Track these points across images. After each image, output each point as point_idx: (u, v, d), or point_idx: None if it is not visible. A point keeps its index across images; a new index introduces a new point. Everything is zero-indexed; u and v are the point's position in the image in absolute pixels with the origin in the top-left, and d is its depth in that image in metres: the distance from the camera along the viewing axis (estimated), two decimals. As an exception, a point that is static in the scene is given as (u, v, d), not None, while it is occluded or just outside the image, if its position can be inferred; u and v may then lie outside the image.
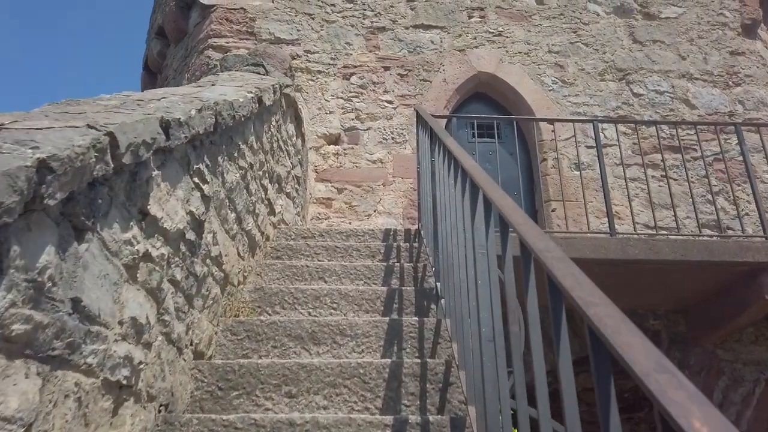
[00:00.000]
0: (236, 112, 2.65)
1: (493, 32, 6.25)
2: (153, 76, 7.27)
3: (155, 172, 1.77)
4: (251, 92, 3.00)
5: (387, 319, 2.57)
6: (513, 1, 6.43)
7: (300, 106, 5.50)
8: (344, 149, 5.61)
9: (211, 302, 2.39)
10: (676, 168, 5.69)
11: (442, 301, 2.57)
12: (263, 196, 3.45)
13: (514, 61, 6.12)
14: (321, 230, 3.96)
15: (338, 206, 5.36)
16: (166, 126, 1.81)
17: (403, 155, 5.60)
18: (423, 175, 3.65)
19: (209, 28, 5.96)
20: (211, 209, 2.37)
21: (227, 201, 2.63)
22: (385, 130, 5.70)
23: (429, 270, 3.26)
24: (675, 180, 5.63)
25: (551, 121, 4.74)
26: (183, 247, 2.02)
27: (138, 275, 1.66)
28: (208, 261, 2.34)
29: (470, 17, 6.33)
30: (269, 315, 2.80)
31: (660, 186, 5.57)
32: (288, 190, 4.30)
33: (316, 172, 5.49)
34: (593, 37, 6.29)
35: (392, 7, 6.29)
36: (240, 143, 2.85)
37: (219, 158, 2.51)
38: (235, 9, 6.06)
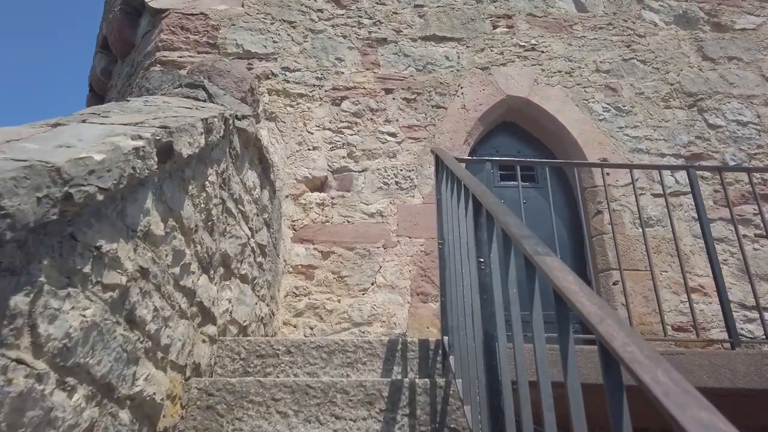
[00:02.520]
0: (83, 185, 1.24)
1: (524, 46, 4.90)
2: (99, 98, 5.90)
3: None
4: (144, 138, 1.60)
5: None
6: (548, 7, 5.10)
7: (271, 143, 4.12)
8: (332, 198, 4.20)
9: None
10: (773, 224, 4.30)
11: None
12: (183, 305, 2.02)
13: (553, 82, 4.76)
14: (288, 344, 2.53)
15: (323, 277, 3.93)
16: None
17: (411, 206, 4.20)
18: (450, 262, 2.24)
19: (158, 38, 4.60)
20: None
21: (52, 377, 1.20)
22: (386, 171, 4.31)
23: (469, 449, 1.82)
24: (774, 240, 4.23)
25: (628, 168, 3.32)
26: None
27: None
28: None
29: (495, 27, 4.99)
30: None
31: (755, 249, 4.17)
32: (244, 271, 2.88)
33: (294, 230, 4.07)
34: (651, 52, 4.95)
35: (395, 14, 4.95)
36: (102, 242, 1.42)
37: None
38: (192, 15, 4.70)
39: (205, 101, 2.64)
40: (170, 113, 2.12)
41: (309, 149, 4.35)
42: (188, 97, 2.62)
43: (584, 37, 4.98)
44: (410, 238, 4.08)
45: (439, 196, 2.72)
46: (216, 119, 2.35)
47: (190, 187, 2.10)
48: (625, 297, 2.79)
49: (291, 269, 3.93)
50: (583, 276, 4.23)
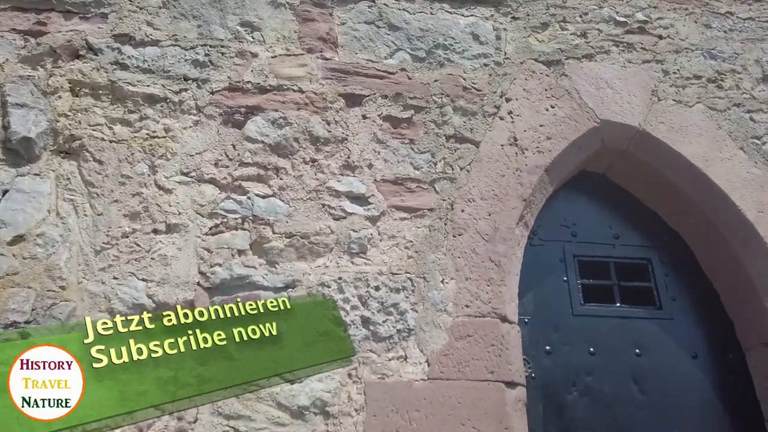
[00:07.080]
0: None
1: (624, 24, 2.50)
2: None
3: None
4: None
5: None
6: (658, -43, 2.72)
7: (61, 218, 1.57)
8: (202, 361, 1.65)
9: None
10: None
11: None
12: None
13: (688, 96, 2.37)
14: None
15: None
16: None
17: (399, 388, 1.69)
18: None
19: None
20: None
21: None
22: (342, 290, 1.80)
23: None
24: None
25: None
26: None
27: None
28: None
29: (566, -15, 2.57)
30: None
31: None
32: None
33: (84, 464, 1.50)
34: None
35: (372, -52, 2.47)
36: None
37: None
38: None
39: None
40: None
41: (156, 230, 1.80)
42: None
43: (731, 14, 2.62)
44: (397, 483, 1.57)
45: None
46: None
47: None
48: None
49: None
50: None
